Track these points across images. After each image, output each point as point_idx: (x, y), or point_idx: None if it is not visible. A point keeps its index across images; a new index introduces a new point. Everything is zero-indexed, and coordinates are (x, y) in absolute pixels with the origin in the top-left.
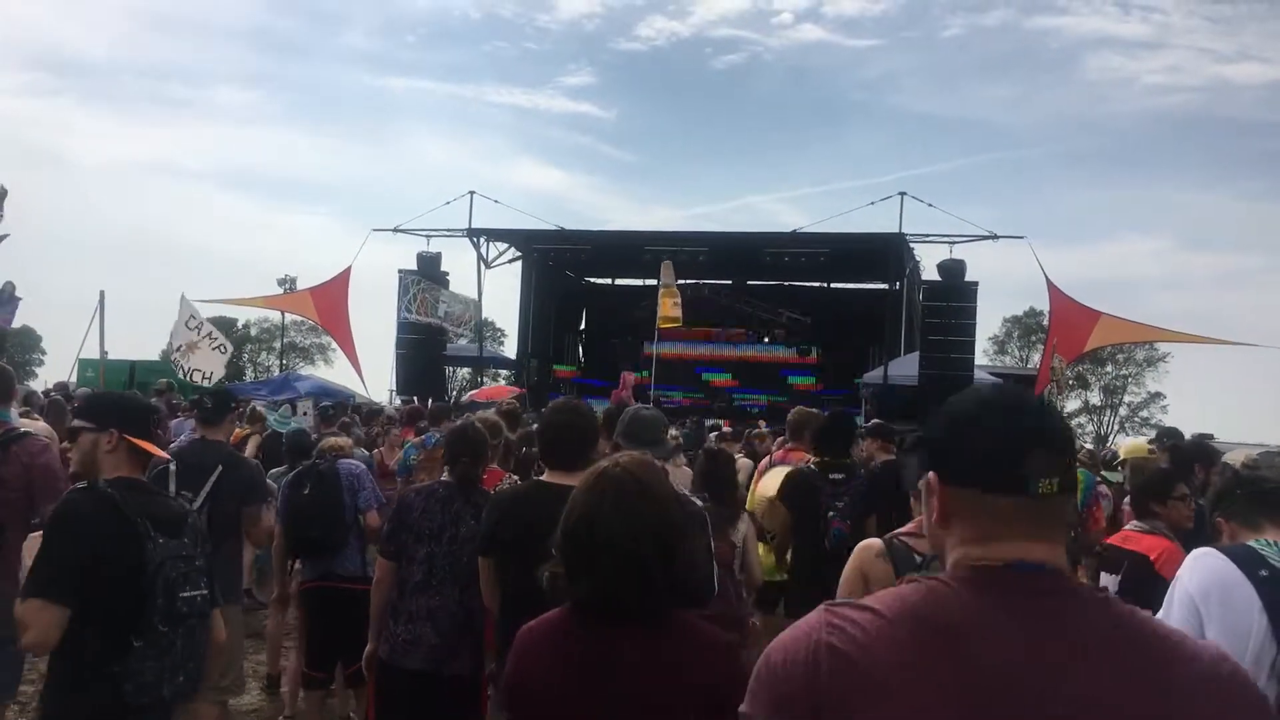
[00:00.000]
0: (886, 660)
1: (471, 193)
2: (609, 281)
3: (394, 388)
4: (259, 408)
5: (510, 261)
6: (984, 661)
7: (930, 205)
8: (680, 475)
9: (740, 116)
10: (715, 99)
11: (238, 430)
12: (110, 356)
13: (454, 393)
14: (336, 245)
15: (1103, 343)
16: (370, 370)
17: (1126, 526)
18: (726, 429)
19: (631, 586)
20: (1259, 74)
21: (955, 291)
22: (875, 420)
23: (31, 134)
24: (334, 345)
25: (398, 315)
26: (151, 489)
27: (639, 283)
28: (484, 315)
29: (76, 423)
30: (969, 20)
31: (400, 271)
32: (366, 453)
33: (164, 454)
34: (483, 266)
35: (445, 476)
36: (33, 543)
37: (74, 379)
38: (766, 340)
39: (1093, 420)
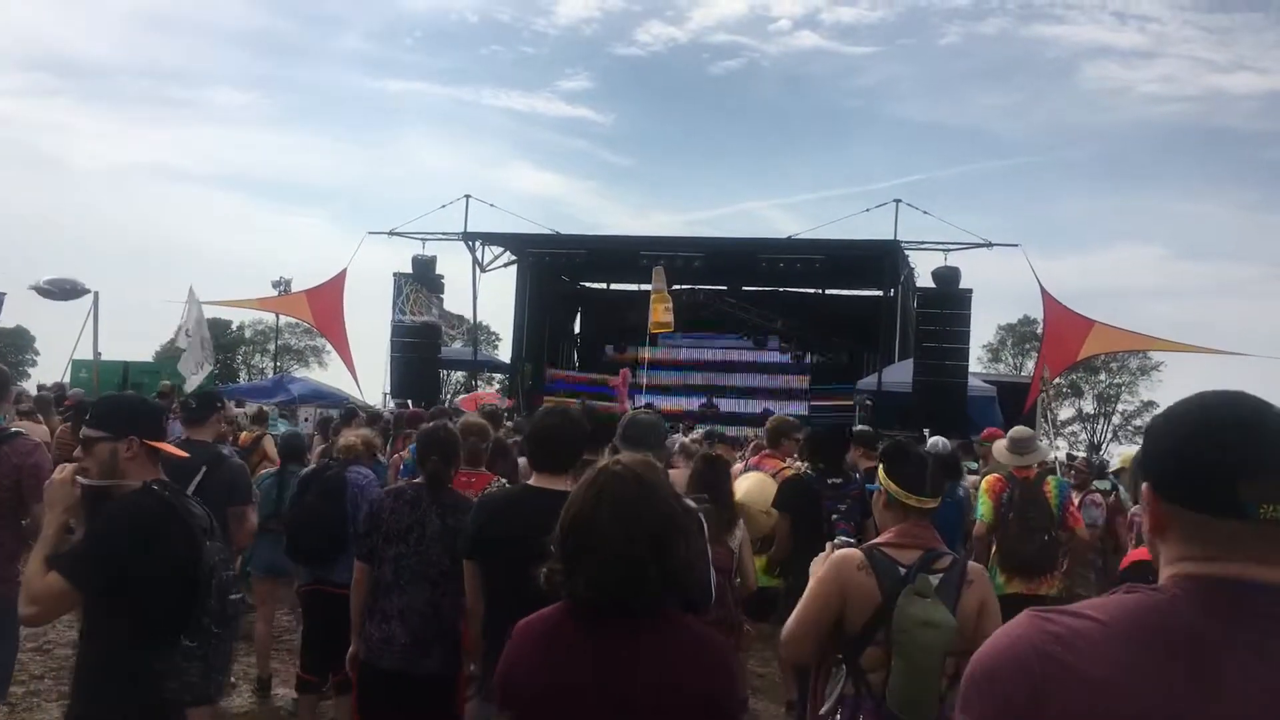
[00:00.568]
0: (1114, 672)
1: (467, 196)
2: (604, 286)
3: (388, 391)
4: (264, 407)
5: (505, 265)
6: (1225, 681)
7: (925, 213)
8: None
9: (737, 122)
10: (712, 105)
11: (245, 434)
12: (104, 357)
13: (448, 396)
14: (332, 248)
15: (1096, 351)
16: (364, 373)
17: None
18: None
19: (626, 583)
20: (1254, 84)
21: (950, 299)
22: (859, 428)
23: (29, 134)
24: (328, 348)
25: (392, 317)
26: (182, 491)
27: (634, 287)
28: (478, 319)
29: (90, 432)
30: (966, 28)
31: (395, 275)
32: (383, 460)
33: (181, 453)
34: (478, 270)
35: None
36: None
37: (67, 379)
38: (758, 345)
39: (1086, 429)
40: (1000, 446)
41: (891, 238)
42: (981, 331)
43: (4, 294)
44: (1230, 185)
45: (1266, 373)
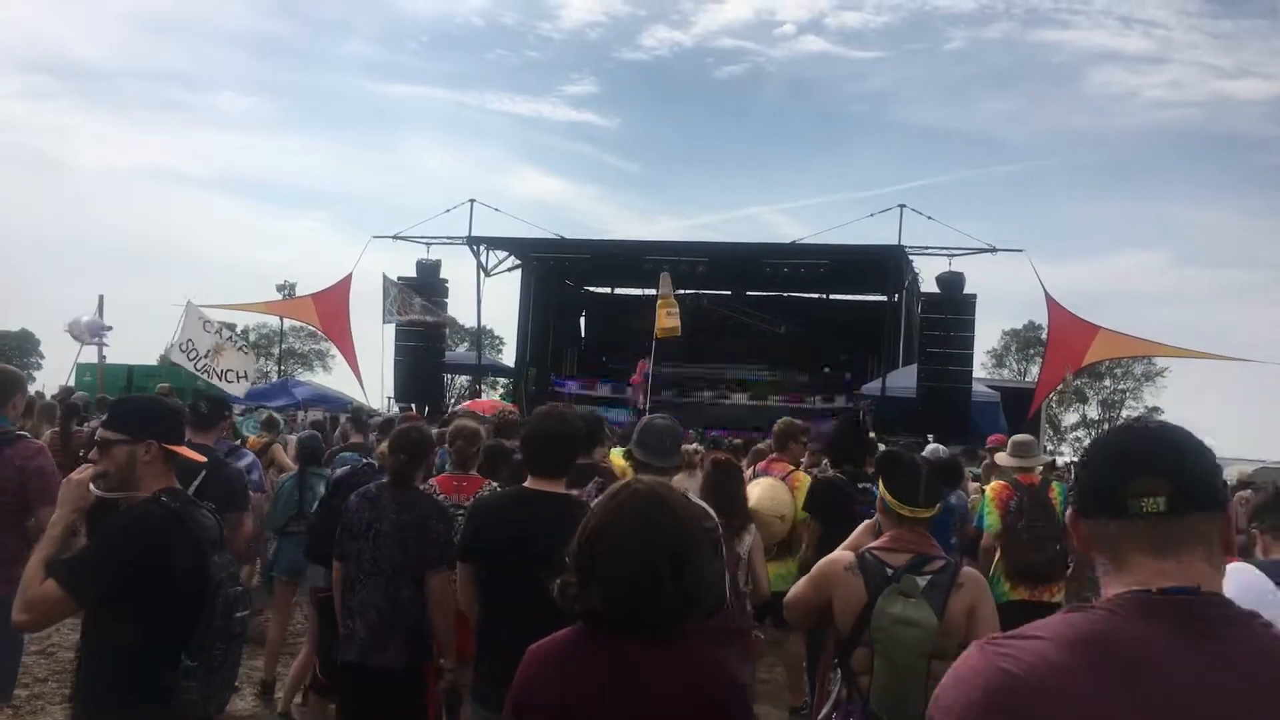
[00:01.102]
0: (1063, 686)
1: (472, 201)
2: (608, 291)
3: (392, 395)
4: (273, 414)
5: (510, 270)
6: (1163, 690)
7: (929, 218)
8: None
9: (742, 127)
10: (717, 109)
11: (252, 438)
12: (108, 361)
13: (452, 400)
14: (336, 252)
15: (1101, 357)
16: (368, 377)
17: None
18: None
19: (643, 596)
20: (1260, 90)
21: (954, 304)
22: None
23: (32, 137)
24: (332, 351)
25: (383, 319)
26: (193, 500)
27: (638, 292)
28: (483, 323)
29: (108, 434)
30: (971, 33)
31: (384, 276)
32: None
33: (199, 457)
34: (482, 275)
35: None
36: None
37: (72, 383)
38: (764, 350)
39: (1090, 434)
40: (1003, 454)
41: (896, 243)
42: (986, 337)
43: None
44: (1236, 191)
45: (1271, 378)
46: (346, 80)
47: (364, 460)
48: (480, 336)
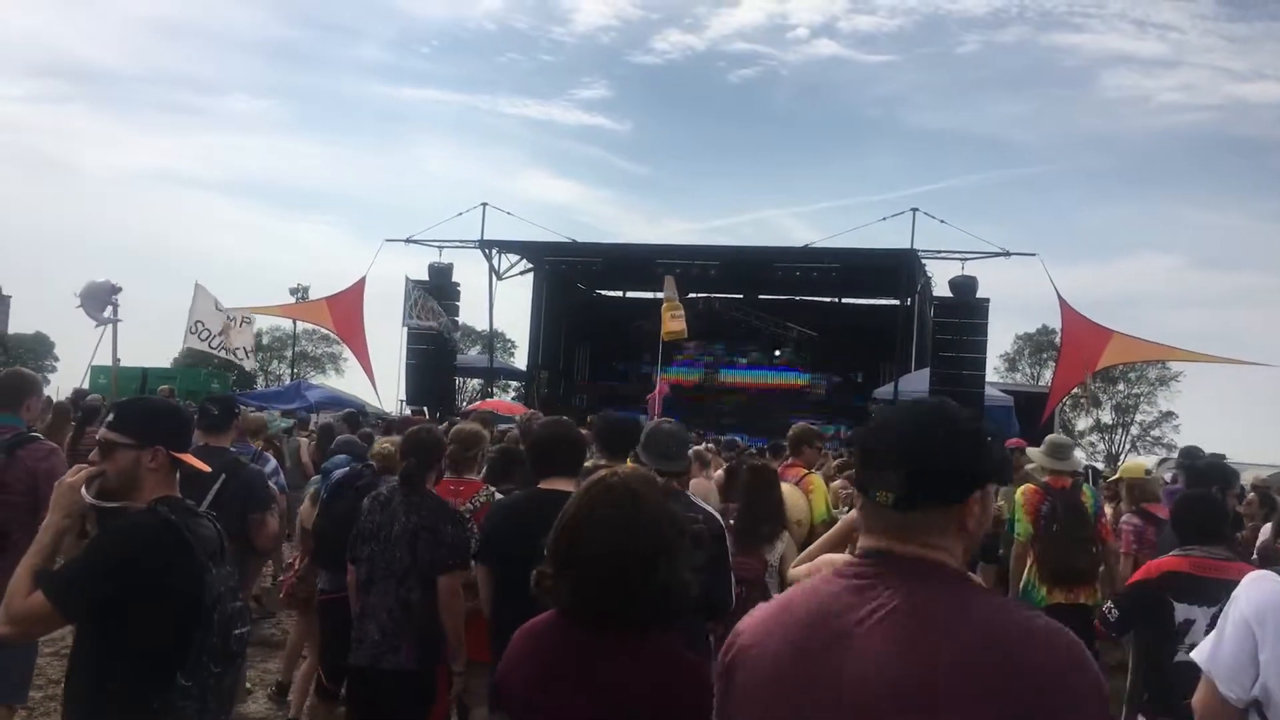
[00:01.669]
0: (756, 639)
1: (484, 204)
2: (620, 294)
3: (404, 397)
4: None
5: (522, 273)
6: (804, 627)
7: (942, 222)
8: (697, 486)
9: (754, 131)
10: (729, 113)
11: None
12: (123, 363)
13: (464, 403)
14: (348, 255)
15: (1115, 361)
16: (381, 380)
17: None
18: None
19: (611, 593)
20: (1275, 93)
21: (967, 308)
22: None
23: (42, 140)
24: (345, 354)
25: (402, 321)
26: (193, 509)
27: (650, 295)
28: (494, 326)
29: (112, 436)
30: (985, 37)
31: (407, 279)
32: None
33: (205, 466)
34: (494, 278)
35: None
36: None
37: (86, 385)
38: (777, 354)
39: (1104, 439)
40: (1037, 452)
41: (908, 247)
42: (999, 341)
43: (9, 297)
44: (1250, 194)
45: None
46: (359, 84)
47: (362, 463)
48: (492, 339)
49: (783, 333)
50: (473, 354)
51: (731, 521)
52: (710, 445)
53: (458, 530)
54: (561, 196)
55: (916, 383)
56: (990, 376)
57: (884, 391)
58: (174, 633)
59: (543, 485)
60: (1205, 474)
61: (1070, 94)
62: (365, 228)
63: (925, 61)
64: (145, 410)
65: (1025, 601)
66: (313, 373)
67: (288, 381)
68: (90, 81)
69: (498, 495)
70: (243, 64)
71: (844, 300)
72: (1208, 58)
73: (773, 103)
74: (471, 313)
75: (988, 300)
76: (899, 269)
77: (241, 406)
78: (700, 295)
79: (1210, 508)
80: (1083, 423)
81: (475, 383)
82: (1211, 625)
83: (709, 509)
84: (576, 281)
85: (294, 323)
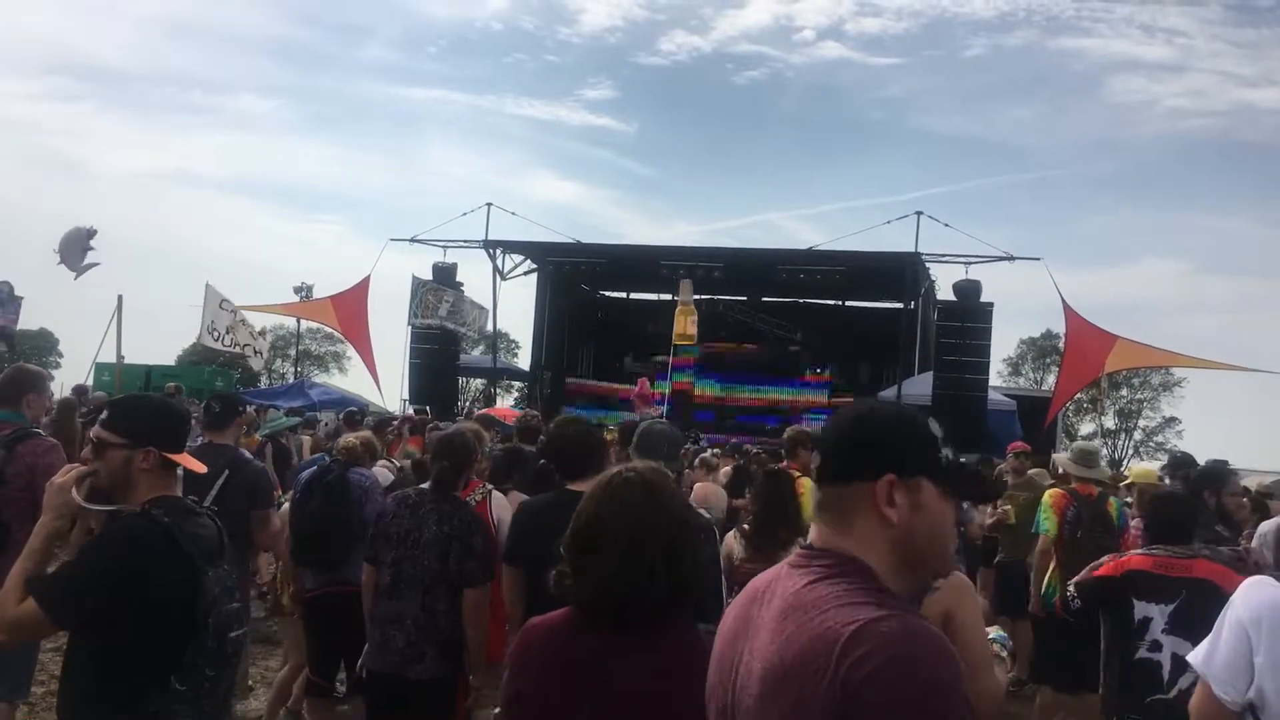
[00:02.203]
0: (725, 621)
1: (489, 204)
2: (624, 295)
3: (407, 397)
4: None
5: (526, 274)
6: (742, 608)
7: (947, 225)
8: (702, 490)
9: (760, 133)
10: (735, 115)
11: (253, 438)
12: (127, 361)
13: (467, 403)
14: (353, 254)
15: (1120, 367)
16: (384, 379)
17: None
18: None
19: (634, 587)
20: None
21: (970, 312)
22: None
23: (52, 139)
24: (348, 353)
25: (408, 320)
26: (190, 509)
27: (654, 297)
28: (498, 327)
29: (104, 435)
30: (992, 40)
31: (414, 277)
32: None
33: (201, 466)
34: (498, 278)
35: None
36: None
37: (90, 382)
38: (782, 355)
39: (1107, 444)
40: (1065, 459)
41: (913, 250)
42: (1002, 345)
43: (21, 298)
44: (1256, 200)
45: None
46: (366, 84)
47: (328, 458)
48: (496, 340)
49: (786, 335)
50: (476, 354)
51: (745, 525)
52: (715, 450)
53: (487, 542)
54: (566, 197)
55: (920, 386)
56: (993, 380)
57: (887, 395)
58: (167, 637)
59: (572, 486)
60: (1197, 480)
61: (1077, 98)
62: (370, 227)
63: (931, 65)
64: (137, 409)
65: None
66: (316, 371)
67: (291, 380)
68: (100, 80)
69: (495, 493)
70: (251, 64)
71: (848, 303)
72: (1215, 63)
73: (778, 105)
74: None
75: (992, 304)
76: (903, 272)
77: (244, 404)
78: (704, 297)
79: (1178, 507)
80: (1086, 427)
81: (478, 383)
82: (1169, 623)
83: (701, 512)
84: (580, 282)
85: (298, 321)
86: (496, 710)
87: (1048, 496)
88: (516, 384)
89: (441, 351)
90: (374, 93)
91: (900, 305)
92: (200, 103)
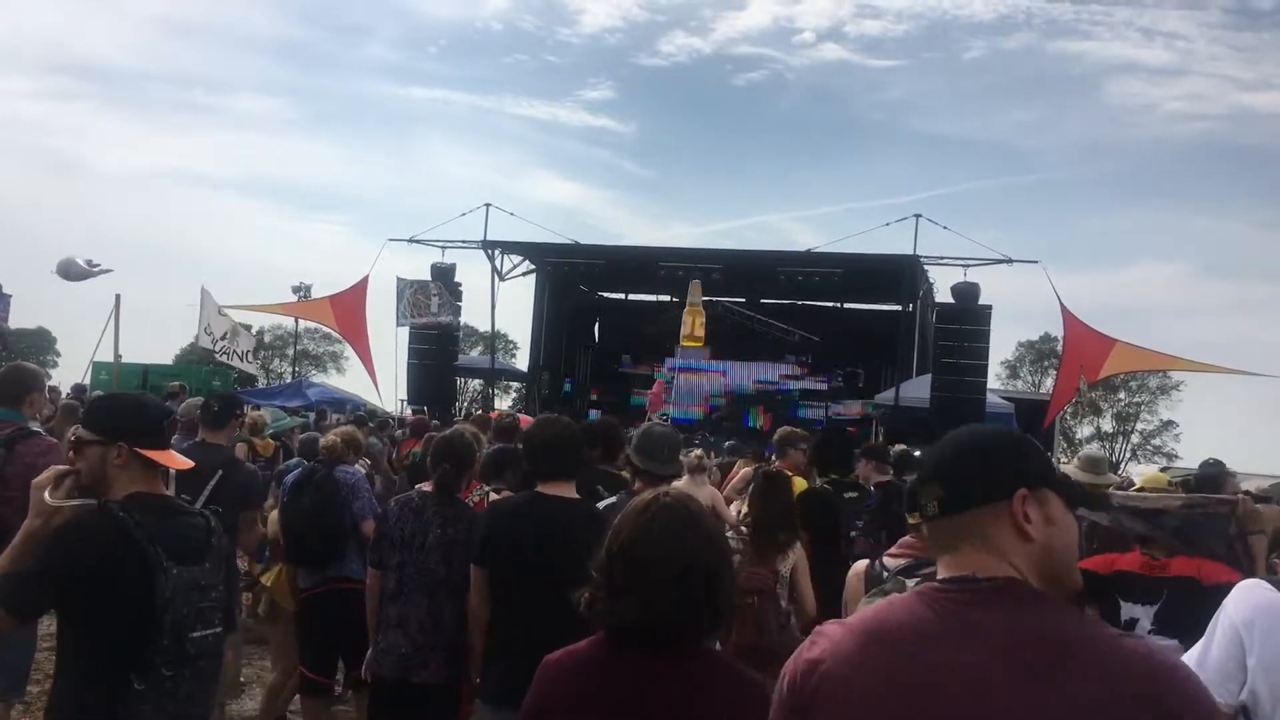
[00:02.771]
0: (844, 667)
1: (487, 205)
2: (622, 296)
3: (405, 397)
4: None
5: (524, 274)
6: (922, 666)
7: (945, 228)
8: (699, 491)
9: (759, 134)
10: (734, 117)
11: (265, 441)
12: (124, 360)
13: (465, 404)
14: (351, 254)
15: (1118, 370)
16: (382, 379)
17: None
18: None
19: (678, 609)
20: None
21: (969, 315)
22: (869, 443)
23: (52, 137)
24: (346, 353)
25: (396, 322)
26: (173, 506)
27: (652, 298)
28: (496, 327)
29: (82, 433)
30: (991, 43)
31: (398, 279)
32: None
33: (182, 463)
34: (497, 279)
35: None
36: None
37: (88, 381)
38: (774, 357)
39: (1104, 447)
40: (1071, 467)
41: (911, 252)
42: (1000, 348)
43: (10, 296)
44: (1255, 203)
45: None
46: (366, 83)
47: (313, 461)
48: (494, 340)
49: (784, 336)
50: (474, 354)
51: (743, 529)
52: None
53: None
54: (565, 198)
55: (918, 389)
56: (991, 383)
57: (885, 397)
58: (124, 634)
59: (542, 489)
60: (1196, 483)
61: (1076, 101)
62: (369, 227)
63: (931, 67)
64: (110, 407)
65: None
66: (314, 371)
67: (289, 379)
68: (101, 79)
69: (492, 494)
70: (252, 63)
71: (846, 305)
72: (1215, 66)
73: (778, 107)
74: (473, 314)
75: (990, 307)
76: (902, 274)
77: (242, 405)
78: (703, 298)
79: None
80: (1083, 431)
81: (476, 383)
82: (1155, 623)
83: (729, 535)
84: (579, 283)
85: (296, 321)
86: None
87: None
88: (515, 385)
89: (439, 352)
90: (374, 92)
91: (899, 307)
92: (200, 102)
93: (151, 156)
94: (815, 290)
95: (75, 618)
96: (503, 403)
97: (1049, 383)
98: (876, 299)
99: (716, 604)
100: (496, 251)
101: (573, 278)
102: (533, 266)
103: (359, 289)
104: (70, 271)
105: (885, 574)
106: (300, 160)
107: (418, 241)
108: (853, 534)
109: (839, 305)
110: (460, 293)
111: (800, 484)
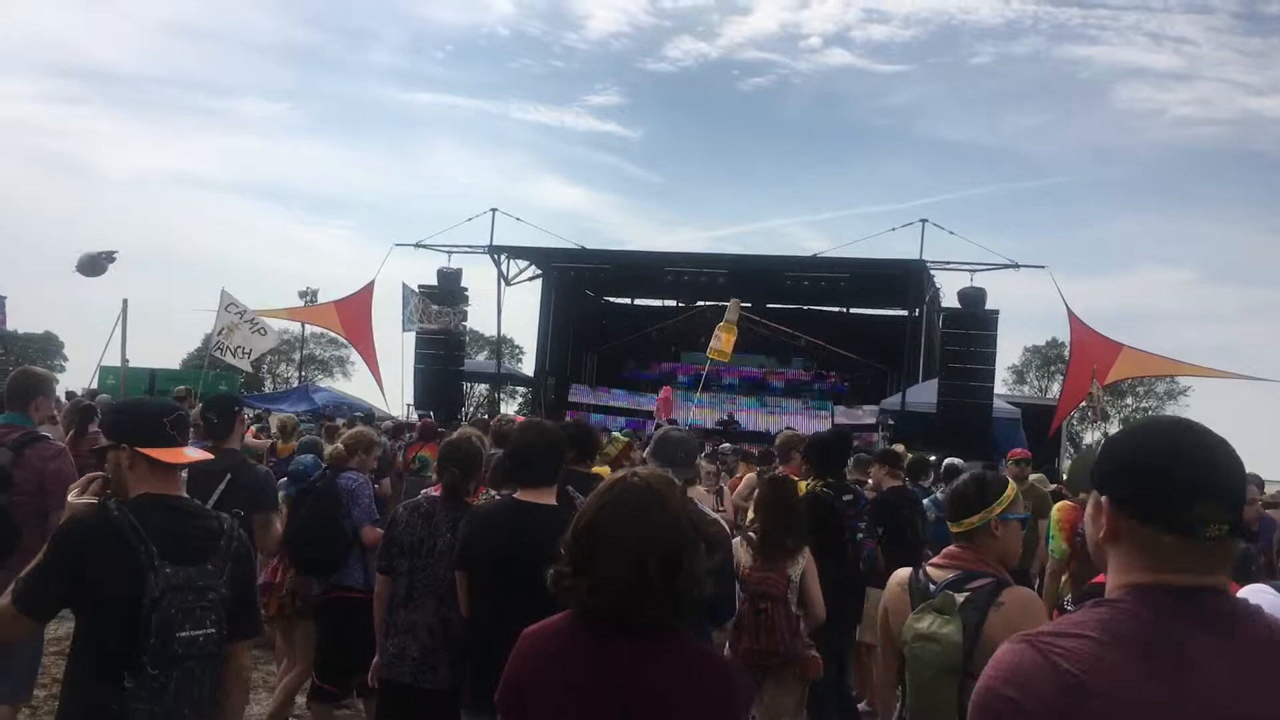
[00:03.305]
0: (1119, 686)
1: (494, 210)
2: (628, 301)
3: (411, 402)
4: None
5: (530, 279)
6: (1197, 676)
7: (951, 233)
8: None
9: (765, 139)
10: (741, 121)
11: (283, 445)
12: (131, 364)
13: (471, 409)
14: (358, 259)
15: (1124, 375)
16: (388, 384)
17: None
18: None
19: (633, 590)
20: None
21: (975, 320)
22: (884, 447)
23: (57, 141)
24: (353, 358)
25: (403, 327)
26: (180, 507)
27: (658, 303)
28: (502, 332)
29: (104, 441)
30: (998, 48)
31: (404, 285)
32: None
33: (188, 457)
34: (503, 284)
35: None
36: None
37: (95, 385)
38: (781, 362)
39: None
40: None
41: (917, 257)
42: (1007, 353)
43: (5, 297)
44: (1263, 208)
45: None
46: (372, 88)
47: (322, 465)
48: (500, 345)
49: (790, 341)
50: (480, 359)
51: (751, 533)
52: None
53: None
54: (571, 203)
55: (924, 394)
56: (998, 388)
57: (891, 402)
58: (116, 633)
59: (520, 496)
60: None
61: (1083, 106)
62: (375, 232)
63: (938, 72)
64: (117, 409)
65: None
66: (320, 376)
67: (295, 384)
68: (106, 82)
69: (498, 499)
70: (258, 67)
71: (852, 310)
72: (1223, 71)
73: (785, 112)
74: (480, 318)
75: (997, 312)
76: (908, 279)
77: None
78: (708, 303)
79: None
80: (1090, 436)
81: (482, 388)
82: None
83: (716, 516)
84: (585, 288)
85: (302, 326)
86: None
87: (1056, 512)
88: (520, 389)
89: (445, 357)
90: (379, 97)
91: (905, 312)
92: (205, 106)
93: (156, 160)
94: (822, 295)
95: (78, 614)
96: (508, 407)
97: (1056, 388)
98: (883, 304)
99: (675, 586)
100: (503, 256)
101: (579, 283)
102: (539, 271)
103: (364, 294)
104: (95, 267)
105: (932, 586)
106: (305, 164)
107: (424, 246)
108: (859, 536)
109: (845, 310)
110: (466, 297)
111: (803, 487)
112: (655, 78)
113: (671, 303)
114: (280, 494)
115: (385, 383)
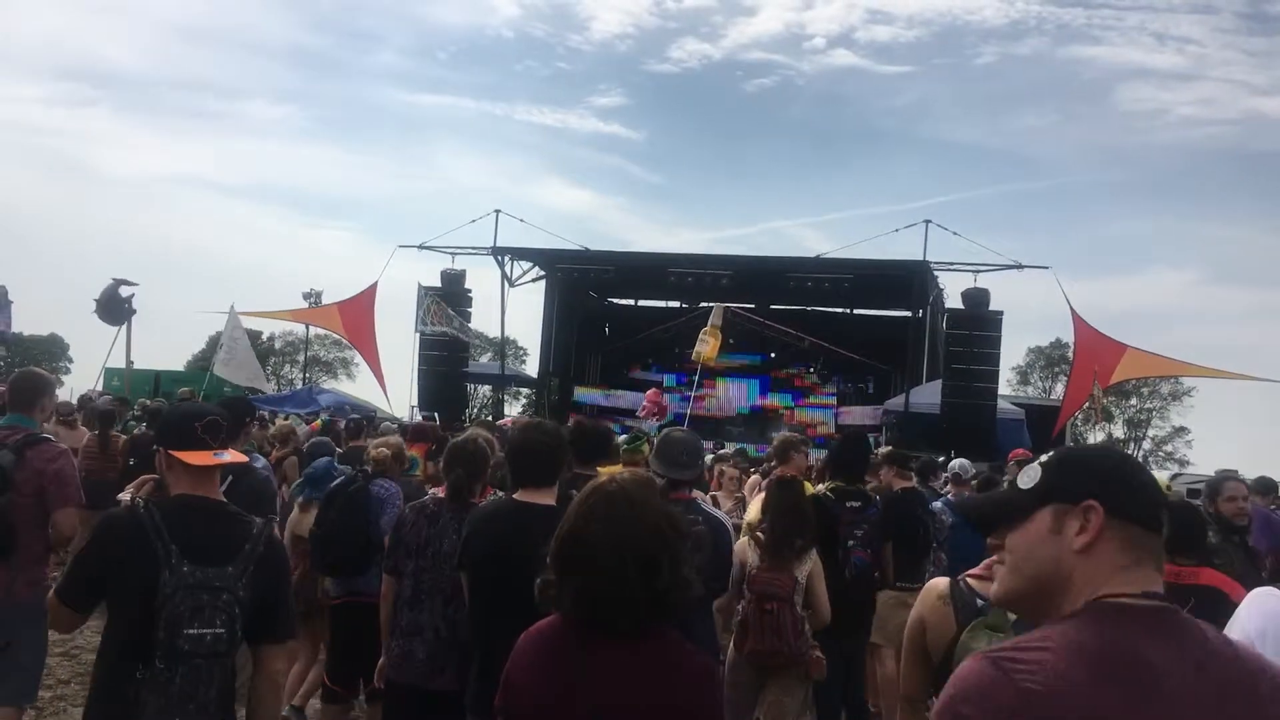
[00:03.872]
0: (1081, 702)
1: (497, 211)
2: (632, 303)
3: (415, 403)
4: (293, 422)
5: (534, 281)
6: (1163, 694)
7: (955, 234)
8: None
9: (769, 141)
10: (745, 122)
11: (274, 452)
12: (136, 366)
13: (475, 410)
14: (362, 261)
15: (1128, 376)
16: (392, 386)
17: None
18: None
19: (612, 603)
20: None
21: (979, 320)
22: (890, 447)
23: (64, 143)
24: (357, 360)
25: (415, 328)
26: (211, 509)
27: (662, 304)
28: (506, 334)
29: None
30: (1002, 48)
31: (420, 286)
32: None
33: (217, 460)
34: (506, 285)
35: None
36: None
37: (100, 387)
38: (789, 366)
39: None
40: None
41: (921, 258)
42: (1011, 354)
43: (12, 302)
44: (1267, 209)
45: None
46: (377, 90)
47: (358, 468)
48: (504, 347)
49: (794, 343)
50: (484, 361)
51: (759, 534)
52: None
53: None
54: (575, 204)
55: (928, 395)
56: (1002, 389)
57: (895, 403)
58: (132, 626)
59: (519, 496)
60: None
61: (1087, 107)
62: (379, 233)
63: (942, 73)
64: (157, 414)
65: None
66: (324, 377)
67: (299, 386)
68: (112, 85)
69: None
70: (264, 69)
71: (856, 311)
72: (1227, 71)
73: (789, 113)
74: (483, 320)
75: (1001, 313)
76: (911, 280)
77: (252, 411)
78: (712, 304)
79: (1192, 516)
80: (1094, 437)
81: (486, 389)
82: None
83: (717, 513)
84: (589, 289)
85: (306, 327)
86: None
87: None
88: (524, 391)
89: (450, 358)
90: (384, 99)
91: (909, 313)
92: (211, 108)
93: (162, 162)
94: (825, 296)
95: (107, 606)
96: (512, 409)
97: (1060, 389)
98: (886, 305)
99: (655, 589)
100: (506, 258)
101: (583, 284)
102: (542, 273)
103: (367, 295)
104: (114, 312)
105: (980, 601)
106: (310, 166)
107: (428, 248)
108: (850, 543)
109: (849, 311)
110: (470, 299)
111: (808, 489)
112: (659, 79)
113: (675, 304)
114: (299, 497)
115: (392, 385)
